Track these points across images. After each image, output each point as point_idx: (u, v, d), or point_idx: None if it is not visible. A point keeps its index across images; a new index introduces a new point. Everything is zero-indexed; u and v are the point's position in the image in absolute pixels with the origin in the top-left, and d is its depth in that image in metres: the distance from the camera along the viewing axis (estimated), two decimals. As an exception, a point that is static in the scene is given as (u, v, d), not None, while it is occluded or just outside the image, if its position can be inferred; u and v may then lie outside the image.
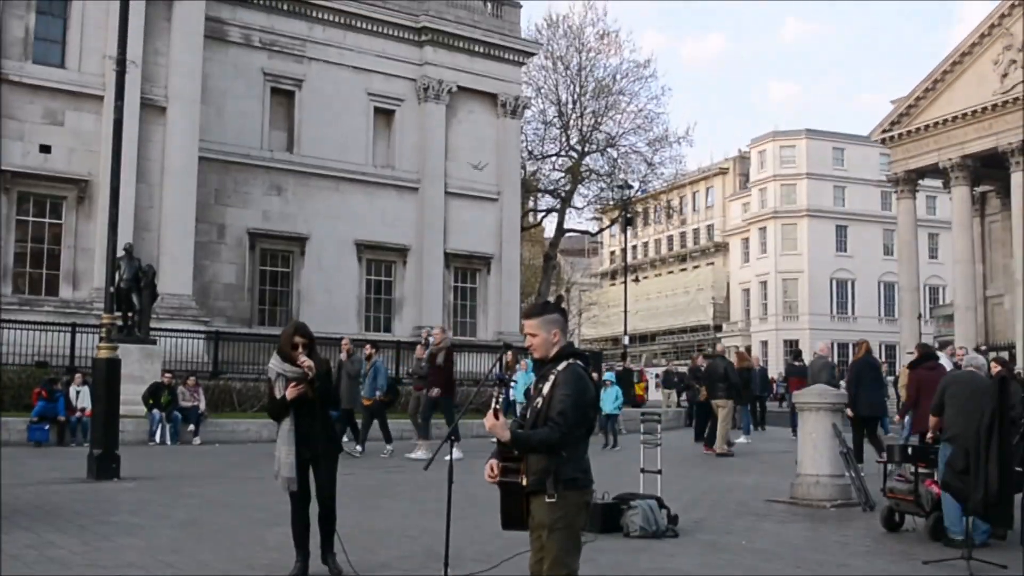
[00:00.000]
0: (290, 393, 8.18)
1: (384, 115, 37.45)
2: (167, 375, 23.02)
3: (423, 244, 37.37)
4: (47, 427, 20.97)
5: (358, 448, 19.94)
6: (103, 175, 25.58)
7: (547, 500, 5.60)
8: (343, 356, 20.97)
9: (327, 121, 35.53)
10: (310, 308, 33.88)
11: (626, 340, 48.88)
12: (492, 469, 5.74)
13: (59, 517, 11.24)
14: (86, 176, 28.68)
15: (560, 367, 5.71)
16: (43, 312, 27.14)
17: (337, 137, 35.73)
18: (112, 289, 23.43)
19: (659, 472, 12.06)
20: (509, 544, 7.92)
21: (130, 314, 24.61)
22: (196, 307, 30.26)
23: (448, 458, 6.42)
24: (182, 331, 27.65)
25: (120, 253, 24.24)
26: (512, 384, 24.69)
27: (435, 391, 19.52)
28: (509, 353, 25.97)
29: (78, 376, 22.10)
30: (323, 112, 35.48)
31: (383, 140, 37.45)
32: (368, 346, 21.55)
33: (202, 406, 23.18)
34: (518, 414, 23.17)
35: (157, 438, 21.69)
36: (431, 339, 25.31)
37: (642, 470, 12.28)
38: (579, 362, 5.80)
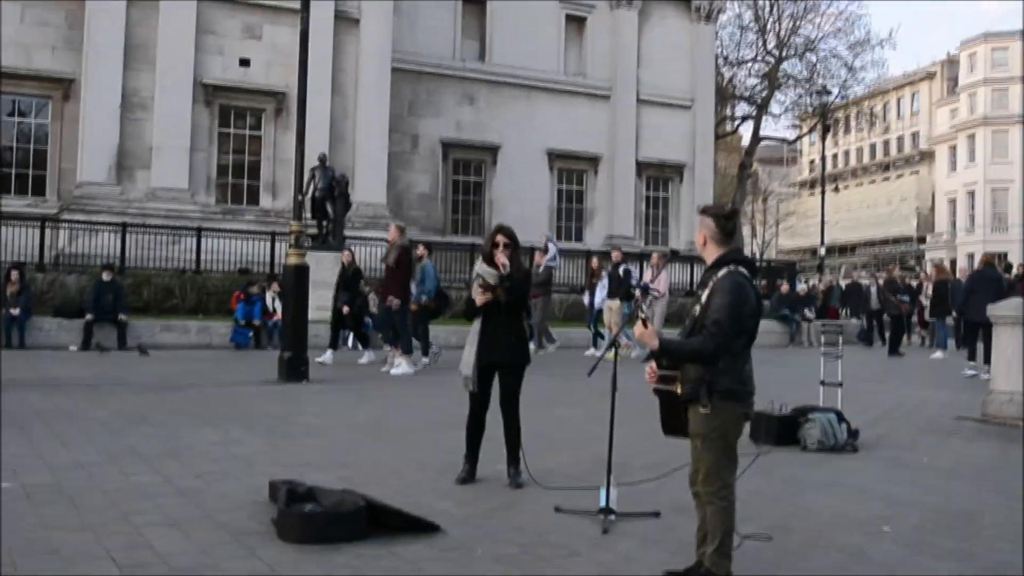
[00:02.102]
0: (479, 299, 8.26)
1: (576, 22, 37.17)
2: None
3: (615, 153, 37.18)
4: (248, 331, 21.88)
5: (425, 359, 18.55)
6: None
7: (701, 410, 5.53)
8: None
9: (519, 29, 35.43)
10: (502, 217, 34.16)
11: (823, 251, 47.65)
12: (652, 371, 5.70)
13: (248, 417, 11.72)
14: (283, 88, 29.39)
15: (720, 274, 5.58)
16: (245, 221, 28.16)
17: (528, 46, 35.63)
18: (305, 198, 24.32)
19: (840, 385, 11.76)
20: (680, 454, 7.87)
21: (325, 223, 25.31)
22: (390, 216, 30.85)
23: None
24: (376, 239, 28.20)
25: (314, 163, 25.01)
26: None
27: (394, 302, 17.35)
28: (595, 259, 24.71)
29: (276, 283, 22.88)
30: (515, 20, 35.38)
31: (575, 48, 37.21)
32: (420, 247, 19.48)
33: (393, 312, 23.65)
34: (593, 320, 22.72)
35: (348, 343, 22.28)
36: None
37: (822, 383, 11.99)
38: (741, 269, 5.65)
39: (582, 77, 37.07)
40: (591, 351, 22.21)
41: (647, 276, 22.14)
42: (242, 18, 29.34)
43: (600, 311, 22.72)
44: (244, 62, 29.37)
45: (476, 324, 8.38)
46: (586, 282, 23.69)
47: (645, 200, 38.48)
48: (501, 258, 8.29)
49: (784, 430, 10.77)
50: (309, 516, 6.61)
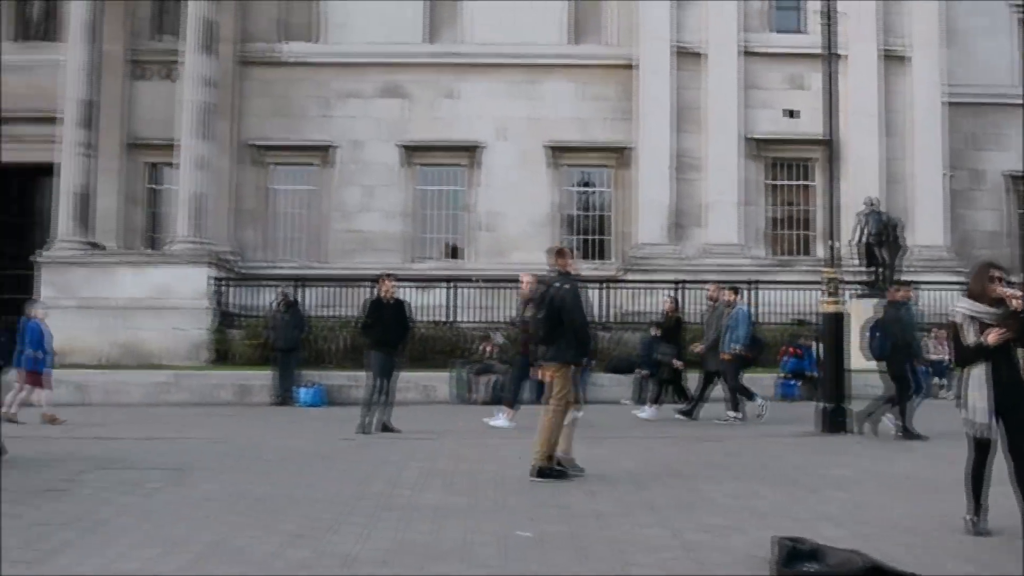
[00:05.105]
0: (992, 339, 7.83)
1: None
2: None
3: None
4: (796, 383, 21.66)
5: (730, 414, 17.09)
6: (848, 132, 26.11)
7: None
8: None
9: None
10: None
11: None
12: None
13: (774, 468, 11.58)
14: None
15: None
16: (798, 272, 27.97)
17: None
18: (855, 244, 24.06)
19: None
20: None
21: (879, 269, 24.64)
22: (951, 257, 29.34)
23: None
24: (934, 283, 26.90)
25: (862, 208, 24.59)
26: None
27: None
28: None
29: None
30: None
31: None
32: (727, 291, 18.14)
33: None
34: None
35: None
36: None
37: None
38: None
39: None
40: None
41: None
42: (785, 69, 29.45)
43: None
44: (791, 113, 29.43)
45: (980, 368, 7.93)
46: None
47: None
48: (1016, 292, 7.78)
49: None
50: (804, 576, 6.38)
